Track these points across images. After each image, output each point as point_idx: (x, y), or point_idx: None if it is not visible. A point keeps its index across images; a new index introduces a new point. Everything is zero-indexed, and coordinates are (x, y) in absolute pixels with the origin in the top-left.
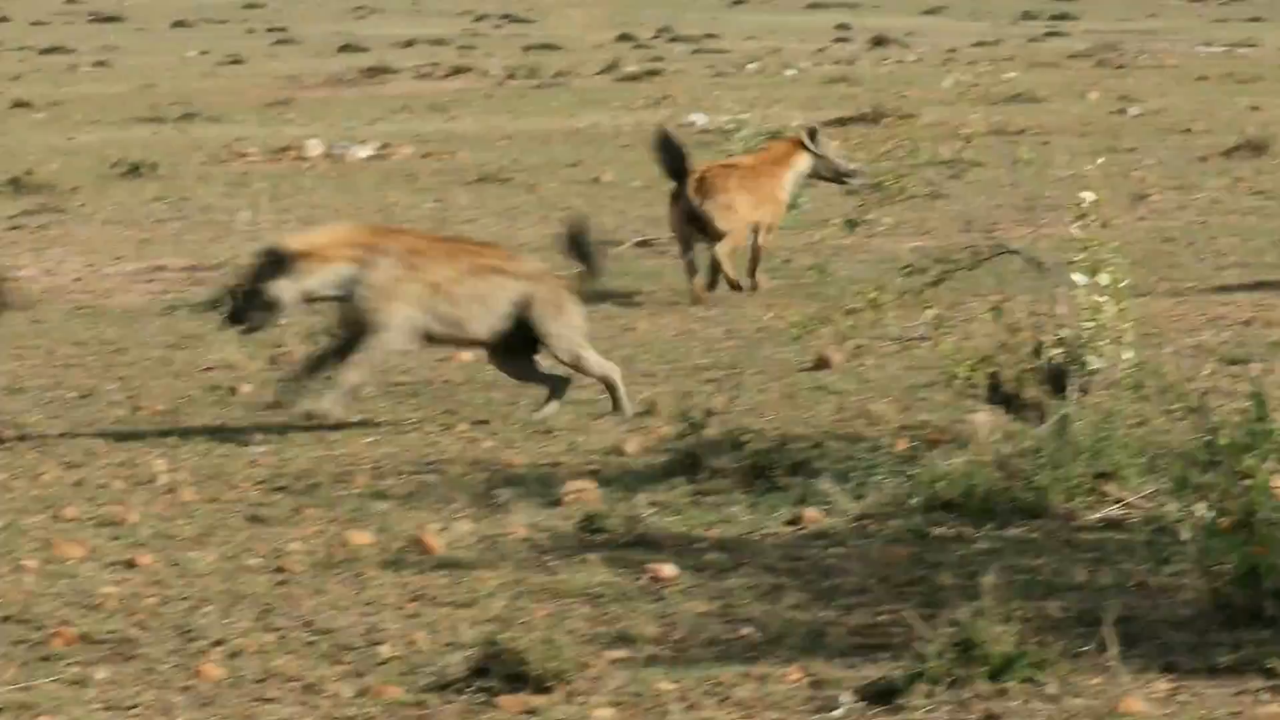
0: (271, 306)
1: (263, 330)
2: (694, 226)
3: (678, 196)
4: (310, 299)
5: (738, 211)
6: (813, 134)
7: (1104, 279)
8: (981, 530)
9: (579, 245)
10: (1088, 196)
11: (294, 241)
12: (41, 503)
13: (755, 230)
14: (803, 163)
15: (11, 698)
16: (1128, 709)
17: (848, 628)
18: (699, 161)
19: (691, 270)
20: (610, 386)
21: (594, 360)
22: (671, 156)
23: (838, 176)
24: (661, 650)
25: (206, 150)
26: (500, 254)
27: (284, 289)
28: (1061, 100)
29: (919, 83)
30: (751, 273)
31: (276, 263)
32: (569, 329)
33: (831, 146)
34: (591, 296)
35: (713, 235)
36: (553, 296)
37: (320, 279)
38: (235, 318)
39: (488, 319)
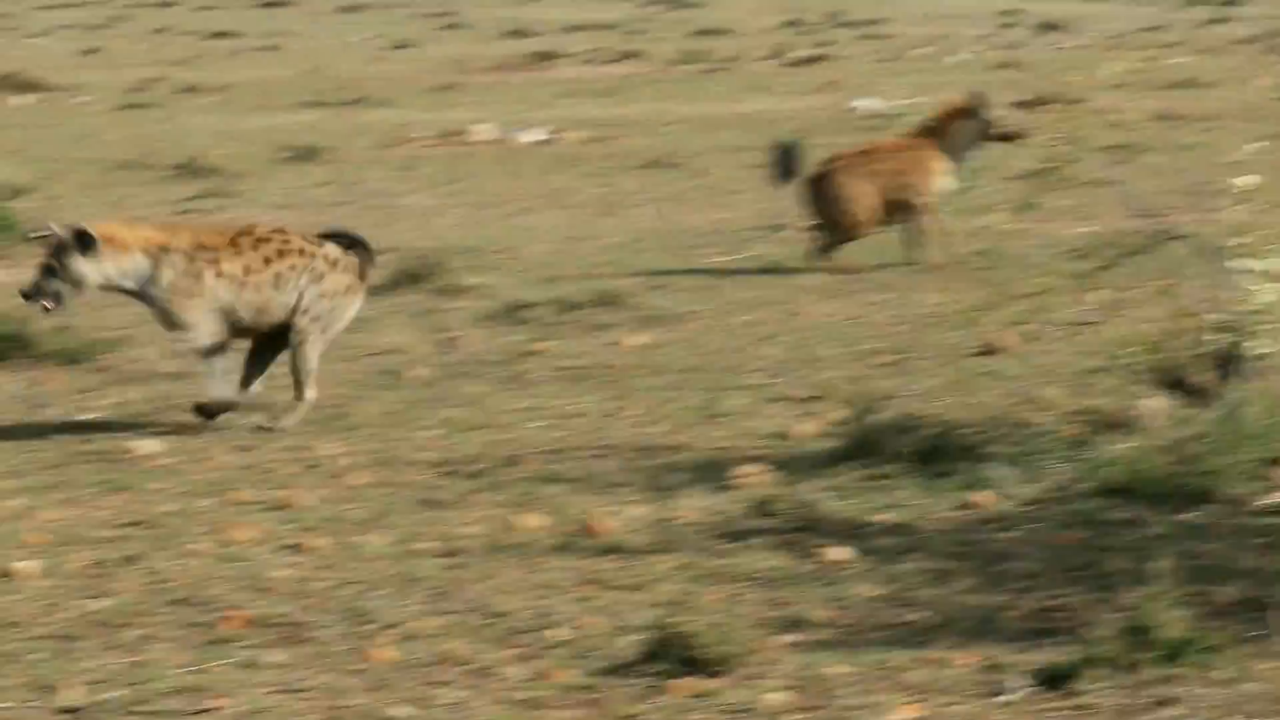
0: (72, 285)
1: (61, 307)
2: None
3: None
4: (109, 286)
5: (859, 203)
6: (978, 100)
7: (1270, 263)
8: (1152, 515)
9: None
10: (1248, 181)
11: (99, 226)
12: (213, 486)
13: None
14: (960, 131)
15: (184, 680)
16: None
17: (1019, 612)
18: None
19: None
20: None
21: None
22: (786, 165)
23: (1004, 136)
24: (833, 634)
25: (374, 135)
26: (287, 236)
27: (85, 270)
28: (1228, 86)
29: (1085, 68)
30: (923, 252)
31: (80, 243)
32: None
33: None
34: (758, 281)
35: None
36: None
37: (118, 267)
38: (32, 293)
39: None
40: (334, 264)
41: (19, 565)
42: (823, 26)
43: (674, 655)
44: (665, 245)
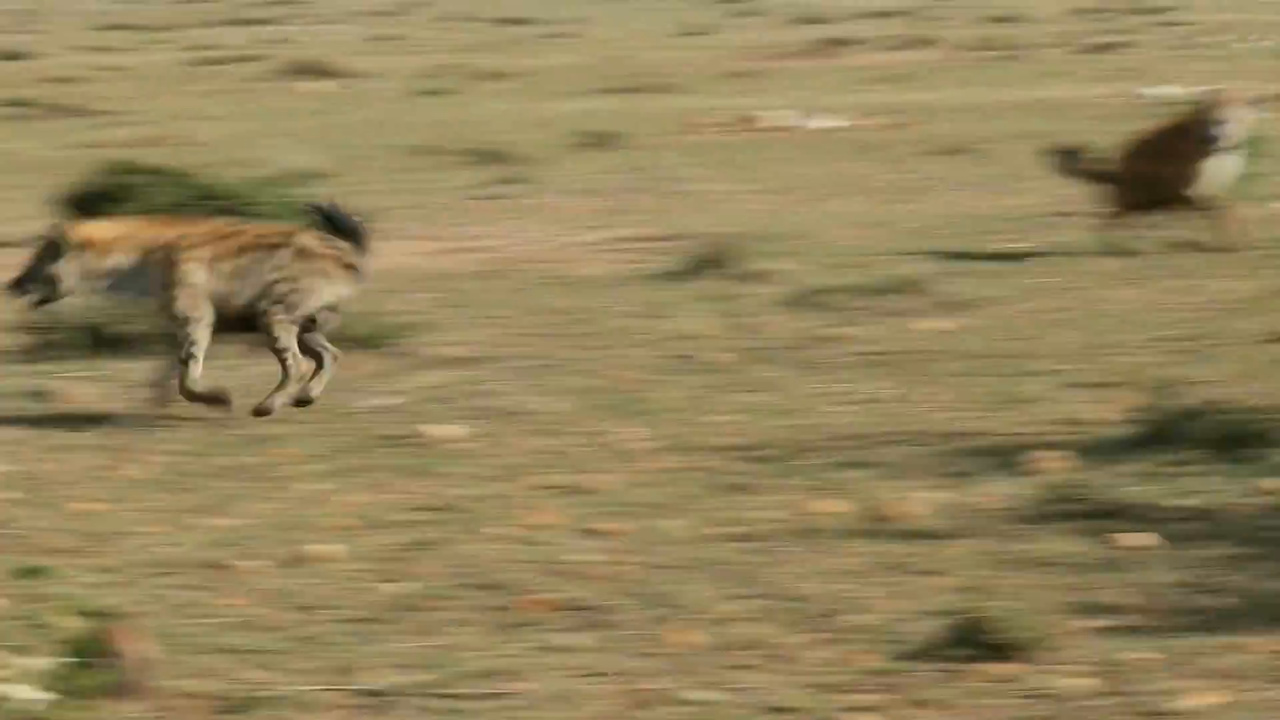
0: (55, 285)
1: (49, 305)
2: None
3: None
4: (95, 287)
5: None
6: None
7: None
8: None
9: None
10: None
11: (80, 229)
12: (515, 470)
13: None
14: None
15: (483, 664)
16: None
17: None
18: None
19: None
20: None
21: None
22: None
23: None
24: (1134, 620)
25: (671, 120)
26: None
27: (67, 271)
28: None
29: None
30: (1218, 237)
31: (61, 244)
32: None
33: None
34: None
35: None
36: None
37: (100, 268)
38: (17, 288)
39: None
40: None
41: (322, 549)
42: (1117, 13)
43: (973, 640)
44: (961, 231)
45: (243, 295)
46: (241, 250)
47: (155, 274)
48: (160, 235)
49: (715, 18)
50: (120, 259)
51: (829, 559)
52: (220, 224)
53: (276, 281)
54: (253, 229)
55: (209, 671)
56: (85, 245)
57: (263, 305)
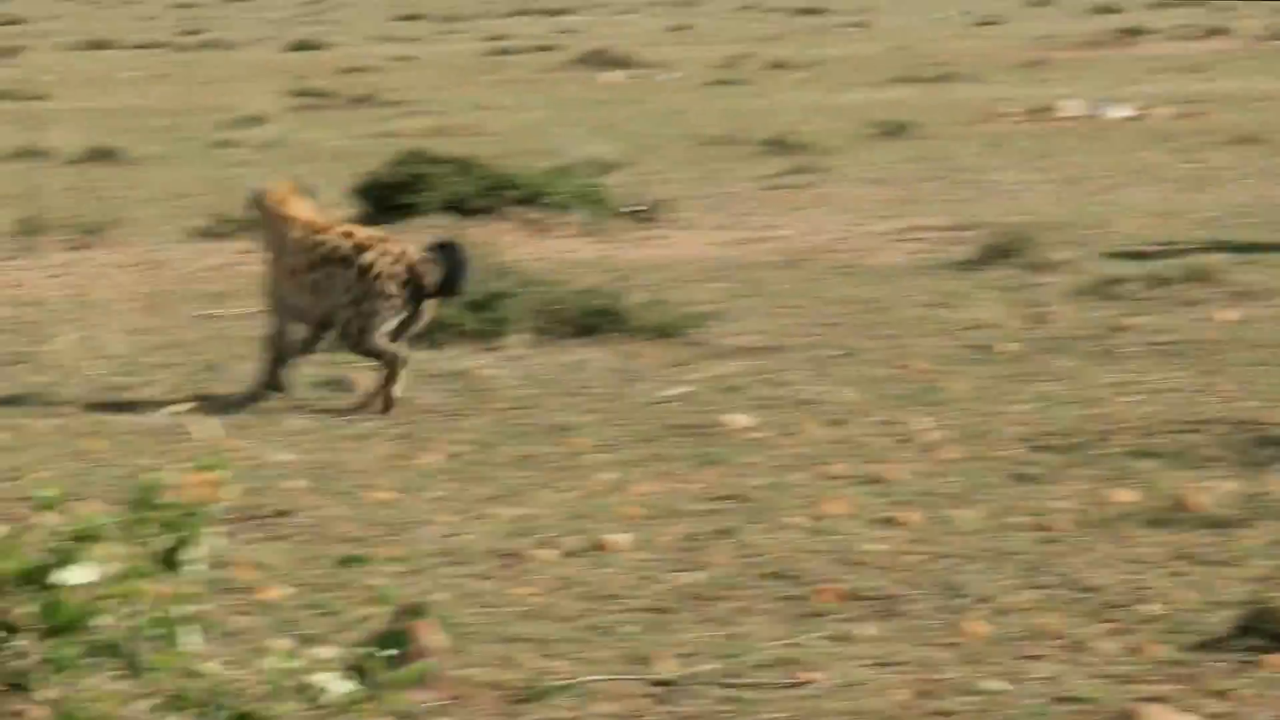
0: None
1: None
2: None
3: None
4: None
5: None
6: None
7: None
8: None
9: None
10: None
11: None
12: (806, 460)
13: None
14: None
15: (778, 653)
16: None
17: None
18: None
19: None
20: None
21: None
22: None
23: None
24: None
25: (964, 110)
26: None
27: None
28: None
29: None
30: None
31: None
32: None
33: None
34: None
35: None
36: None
37: None
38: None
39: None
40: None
41: (613, 538)
42: None
43: (1268, 630)
44: (1253, 221)
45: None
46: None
47: None
48: None
49: (1010, 8)
50: None
51: (1121, 548)
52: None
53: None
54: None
55: (500, 661)
56: None
57: None
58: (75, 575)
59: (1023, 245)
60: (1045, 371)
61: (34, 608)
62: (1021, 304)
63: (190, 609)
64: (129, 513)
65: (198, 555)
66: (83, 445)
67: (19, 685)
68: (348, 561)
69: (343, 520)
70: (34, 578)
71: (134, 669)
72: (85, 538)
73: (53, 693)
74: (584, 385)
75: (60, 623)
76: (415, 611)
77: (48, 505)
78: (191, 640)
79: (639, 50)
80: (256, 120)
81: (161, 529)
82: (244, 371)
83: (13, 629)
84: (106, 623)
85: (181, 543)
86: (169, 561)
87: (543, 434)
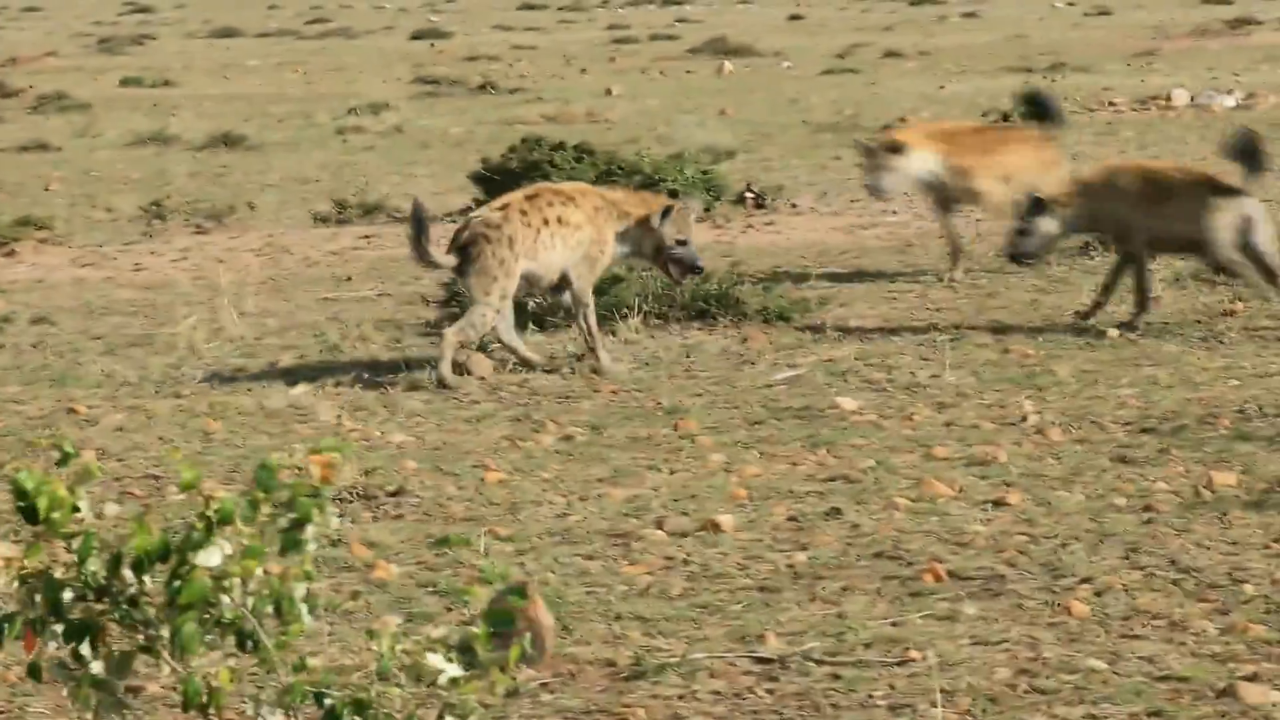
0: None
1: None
2: None
3: None
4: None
5: None
6: None
7: None
8: None
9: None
10: None
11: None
12: (913, 442)
13: None
14: None
15: (882, 631)
16: None
17: None
18: None
19: None
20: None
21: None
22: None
23: None
24: None
25: (1075, 99)
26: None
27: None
28: None
29: None
30: None
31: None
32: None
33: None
34: None
35: None
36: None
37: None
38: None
39: None
40: None
41: (721, 518)
42: None
43: None
44: None
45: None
46: None
47: None
48: None
49: None
50: None
51: (1221, 530)
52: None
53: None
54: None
55: (609, 639)
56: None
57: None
58: (209, 557)
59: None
60: (1151, 356)
61: (160, 584)
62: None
63: (304, 588)
64: (251, 493)
65: (315, 535)
66: (202, 425)
67: (146, 649)
68: (442, 543)
69: (456, 500)
70: (167, 557)
71: (253, 647)
72: (219, 521)
73: (172, 666)
74: (696, 368)
75: (189, 600)
76: (520, 592)
77: (187, 486)
78: (305, 620)
79: (759, 39)
80: (379, 107)
81: (281, 509)
82: (365, 353)
83: (136, 602)
84: (226, 601)
85: (300, 523)
86: (288, 542)
87: (655, 416)
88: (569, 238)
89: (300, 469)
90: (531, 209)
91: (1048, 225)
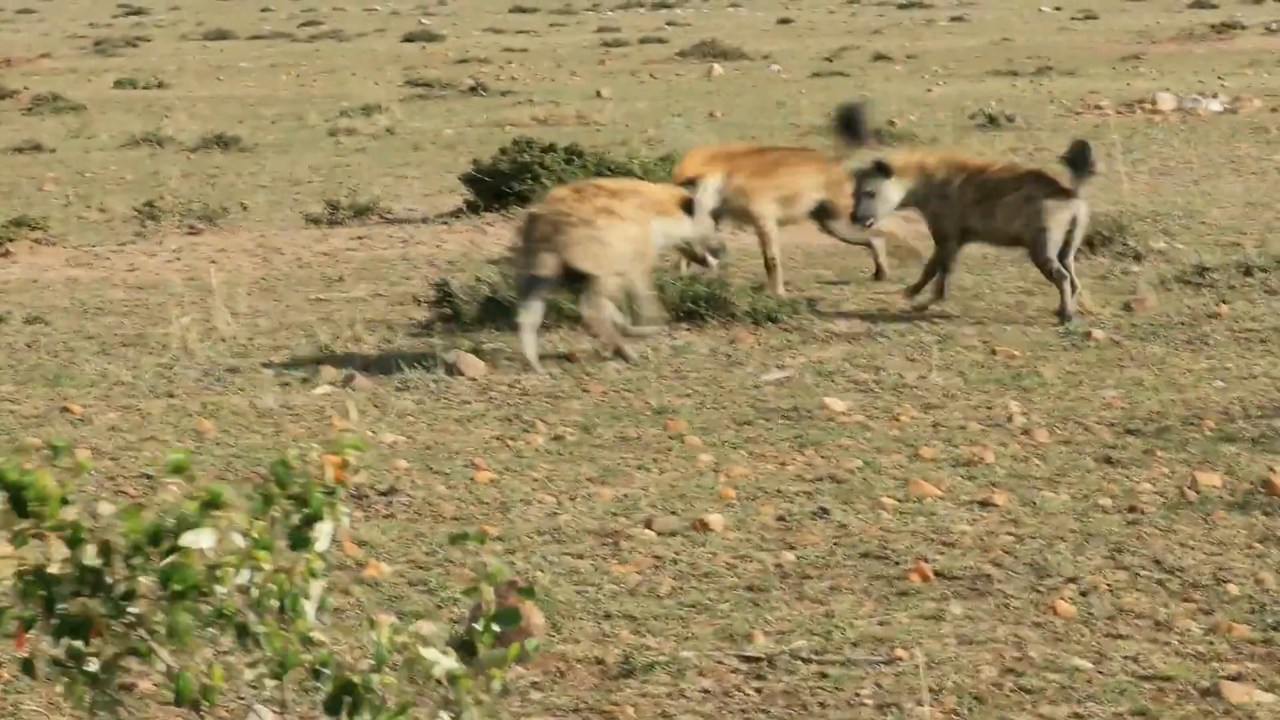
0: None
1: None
2: None
3: None
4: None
5: None
6: None
7: None
8: None
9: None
10: None
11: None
12: (900, 442)
13: None
14: None
15: (869, 630)
16: None
17: None
18: None
19: None
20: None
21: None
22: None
23: None
24: None
25: (1060, 102)
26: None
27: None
28: None
29: None
30: None
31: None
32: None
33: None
34: None
35: None
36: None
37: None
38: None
39: None
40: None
41: (709, 518)
42: None
43: None
44: None
45: None
46: None
47: None
48: None
49: (1107, 2)
50: None
51: (1205, 531)
52: None
53: None
54: None
55: (598, 637)
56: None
57: None
58: (199, 539)
59: (1115, 234)
60: (1136, 357)
61: (154, 576)
62: (1115, 291)
63: (311, 584)
64: (266, 488)
65: (327, 533)
66: (195, 425)
67: (135, 652)
68: (457, 539)
69: (447, 500)
70: (158, 541)
71: (249, 640)
72: (209, 505)
73: (165, 662)
74: (685, 369)
75: (183, 588)
76: (526, 591)
77: (177, 468)
78: (310, 616)
79: (747, 43)
80: (371, 109)
81: (294, 506)
82: (356, 353)
83: (131, 595)
84: (223, 592)
85: (311, 520)
86: (297, 538)
87: (644, 416)
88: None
89: (313, 466)
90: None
91: (891, 191)
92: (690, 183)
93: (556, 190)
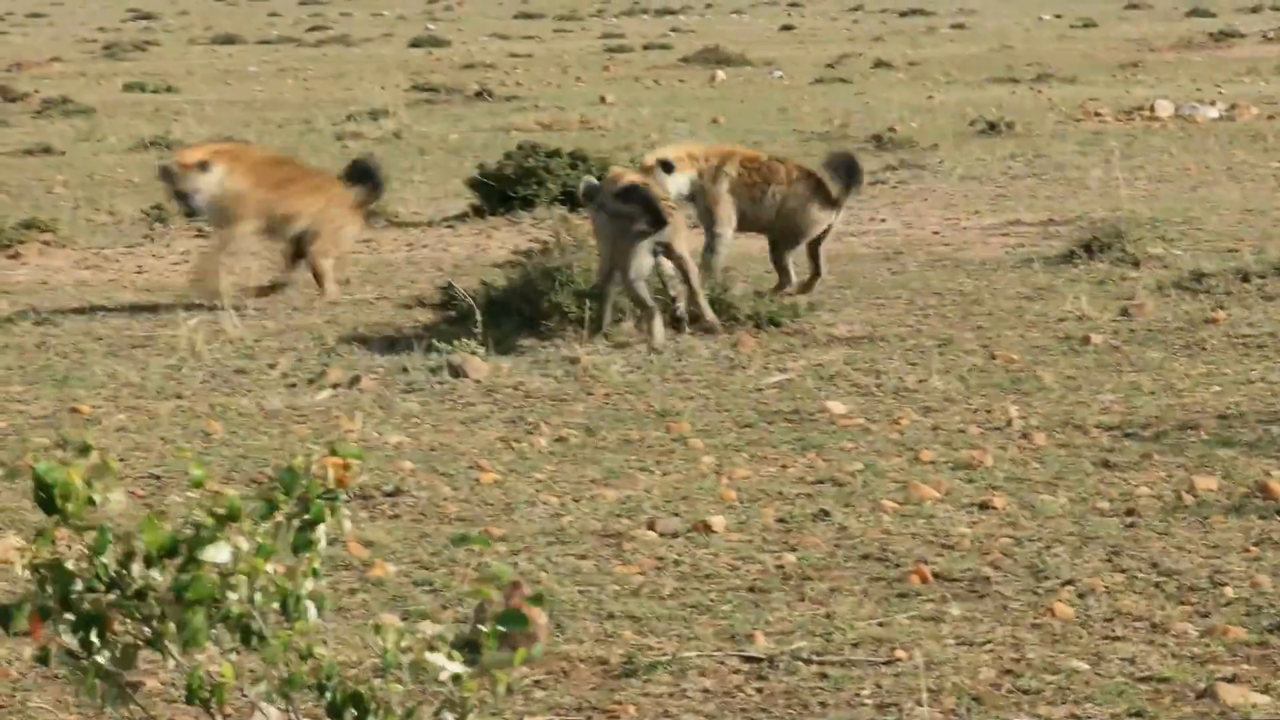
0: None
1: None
2: None
3: None
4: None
5: None
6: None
7: None
8: None
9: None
10: None
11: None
12: (900, 446)
13: None
14: None
15: (869, 632)
16: None
17: None
18: None
19: None
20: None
21: None
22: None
23: None
24: None
25: (1060, 109)
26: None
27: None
28: None
29: None
30: None
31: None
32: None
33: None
34: None
35: None
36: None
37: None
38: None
39: None
40: None
41: (713, 520)
42: None
43: None
44: None
45: None
46: None
47: None
48: None
49: (1106, 10)
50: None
51: (1202, 534)
52: None
53: None
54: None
55: (600, 637)
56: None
57: None
58: (217, 553)
59: (1114, 240)
60: (1134, 362)
61: (168, 579)
62: (1113, 297)
63: (312, 586)
64: (269, 492)
65: (326, 535)
66: (203, 426)
67: (149, 643)
68: (460, 540)
69: (451, 500)
70: (175, 552)
71: (257, 643)
72: (227, 518)
73: (176, 660)
74: (688, 372)
75: (198, 596)
76: (536, 598)
77: (197, 483)
78: (312, 617)
79: (751, 49)
80: (378, 114)
81: (297, 509)
82: (362, 356)
83: (144, 595)
84: (234, 599)
85: (313, 523)
86: (299, 541)
87: (647, 419)
88: None
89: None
90: None
91: (677, 184)
92: (203, 166)
93: None
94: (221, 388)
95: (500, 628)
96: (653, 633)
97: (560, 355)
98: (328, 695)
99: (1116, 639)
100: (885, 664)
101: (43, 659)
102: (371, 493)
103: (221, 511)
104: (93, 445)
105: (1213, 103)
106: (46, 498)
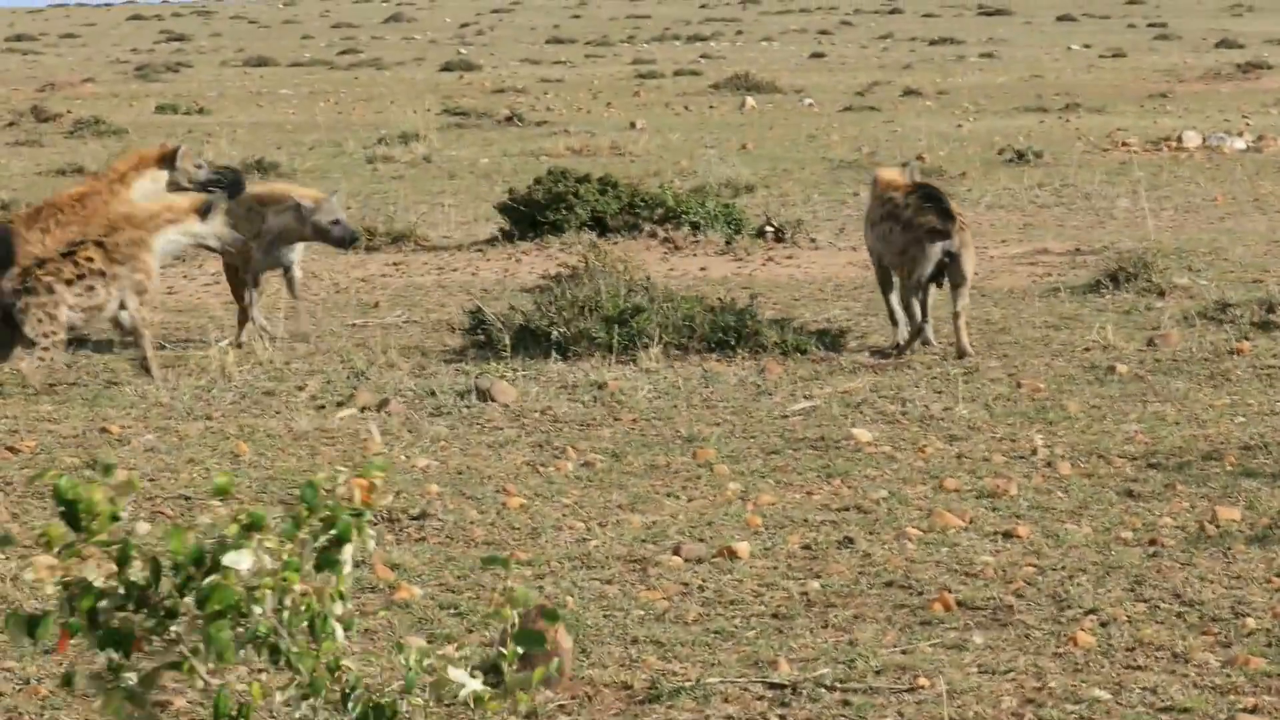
0: None
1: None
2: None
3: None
4: None
5: None
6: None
7: None
8: None
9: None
10: None
11: None
12: (925, 474)
13: None
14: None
15: (892, 659)
16: None
17: None
18: None
19: None
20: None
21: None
22: None
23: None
24: None
25: (1088, 139)
26: None
27: None
28: None
29: None
30: None
31: None
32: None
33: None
34: None
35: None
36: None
37: None
38: None
39: None
40: None
41: (739, 546)
42: None
43: None
44: None
45: None
46: None
47: None
48: None
49: (1135, 41)
50: None
51: (1226, 565)
52: None
53: None
54: None
55: (625, 662)
56: None
57: None
58: (241, 560)
59: (1140, 270)
60: (1159, 392)
61: (193, 596)
62: (1139, 326)
63: (339, 606)
64: (296, 510)
65: (352, 555)
66: (232, 447)
67: (175, 666)
68: (488, 563)
69: (478, 524)
70: (200, 561)
71: (284, 660)
72: (250, 527)
73: (204, 679)
74: (714, 398)
75: (223, 607)
76: (550, 614)
77: (221, 492)
78: (335, 636)
79: (781, 77)
80: (408, 137)
81: (323, 527)
82: (390, 378)
83: (173, 614)
84: (259, 613)
85: (339, 542)
86: (325, 560)
87: (673, 445)
88: None
89: (341, 489)
90: None
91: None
92: None
93: None
94: (250, 409)
95: (518, 648)
96: (677, 658)
97: (588, 380)
98: (351, 707)
99: (1138, 669)
100: (908, 691)
101: (68, 682)
102: (399, 516)
103: (245, 520)
104: (115, 464)
105: (1240, 134)
106: (71, 514)
